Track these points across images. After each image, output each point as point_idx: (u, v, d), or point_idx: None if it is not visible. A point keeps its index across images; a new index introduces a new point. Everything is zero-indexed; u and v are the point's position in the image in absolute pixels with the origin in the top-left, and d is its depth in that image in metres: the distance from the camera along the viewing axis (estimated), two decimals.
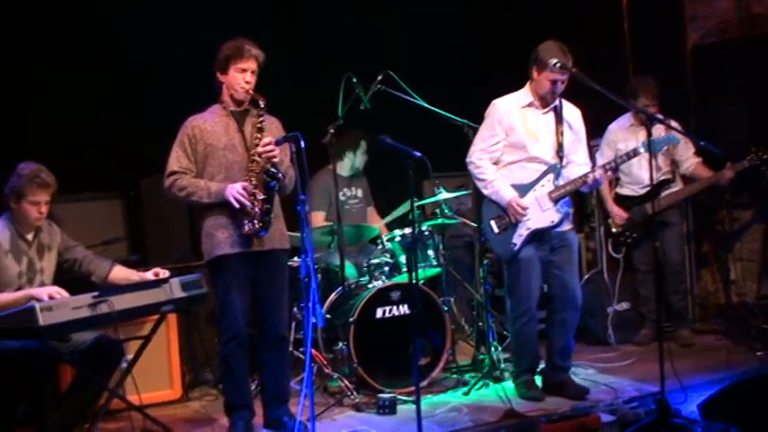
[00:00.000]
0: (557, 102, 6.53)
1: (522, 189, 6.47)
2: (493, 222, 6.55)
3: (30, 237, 5.94)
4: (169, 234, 7.47)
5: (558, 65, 6.25)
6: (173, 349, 6.99)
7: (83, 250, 6.19)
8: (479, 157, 6.57)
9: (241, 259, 5.88)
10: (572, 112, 6.64)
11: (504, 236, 6.52)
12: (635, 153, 6.59)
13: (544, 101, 6.50)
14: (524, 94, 6.56)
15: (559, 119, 6.54)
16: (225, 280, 5.90)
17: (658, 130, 7.24)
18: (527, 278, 6.50)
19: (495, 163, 6.57)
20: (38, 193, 5.80)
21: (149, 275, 5.99)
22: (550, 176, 6.47)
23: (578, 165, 6.59)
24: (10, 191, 5.83)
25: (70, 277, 6.12)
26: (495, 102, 6.62)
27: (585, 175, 6.45)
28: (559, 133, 6.51)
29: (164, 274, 5.98)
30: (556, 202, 6.45)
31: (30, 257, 5.92)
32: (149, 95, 7.95)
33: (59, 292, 5.63)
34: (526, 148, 6.48)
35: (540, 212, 6.46)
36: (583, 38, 9.12)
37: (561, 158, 6.50)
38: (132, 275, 6.09)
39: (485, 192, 6.57)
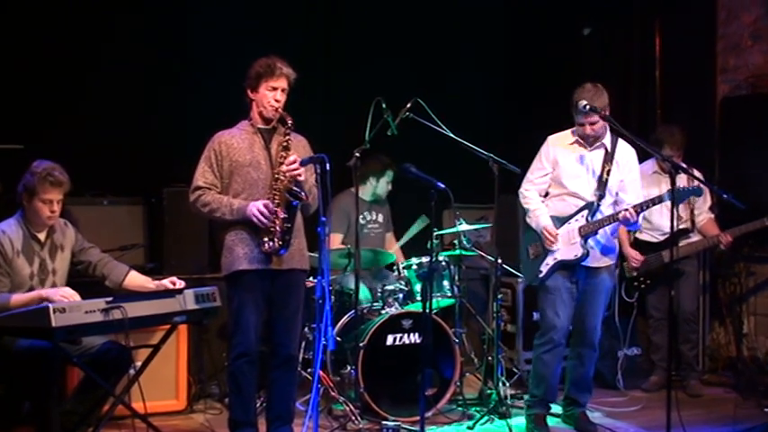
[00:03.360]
0: (606, 140, 6.54)
1: (560, 221, 6.57)
2: (529, 248, 6.68)
3: (42, 237, 5.92)
4: (187, 244, 7.45)
5: (585, 107, 6.29)
6: (181, 360, 7.00)
7: (98, 253, 6.16)
8: (527, 188, 6.73)
9: (258, 276, 5.86)
10: (625, 152, 6.61)
11: (534, 262, 6.63)
12: (659, 200, 6.57)
13: (585, 140, 6.52)
14: (572, 131, 6.63)
15: (609, 157, 6.54)
16: (240, 295, 5.89)
17: (681, 181, 7.24)
18: (552, 306, 6.55)
19: (546, 195, 6.69)
20: (50, 191, 5.77)
21: (165, 284, 5.98)
22: (585, 212, 6.51)
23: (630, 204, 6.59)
24: (23, 188, 5.81)
25: (85, 280, 6.12)
26: (549, 137, 6.73)
27: (617, 213, 6.44)
28: (606, 172, 6.53)
29: (179, 284, 5.97)
30: (584, 237, 6.48)
31: (42, 258, 5.91)
32: (179, 105, 8.02)
33: (71, 295, 5.64)
34: (565, 184, 6.56)
35: (568, 245, 6.51)
36: (613, 82, 9.15)
37: (601, 196, 6.51)
38: (147, 283, 6.08)
39: (528, 220, 6.69)
